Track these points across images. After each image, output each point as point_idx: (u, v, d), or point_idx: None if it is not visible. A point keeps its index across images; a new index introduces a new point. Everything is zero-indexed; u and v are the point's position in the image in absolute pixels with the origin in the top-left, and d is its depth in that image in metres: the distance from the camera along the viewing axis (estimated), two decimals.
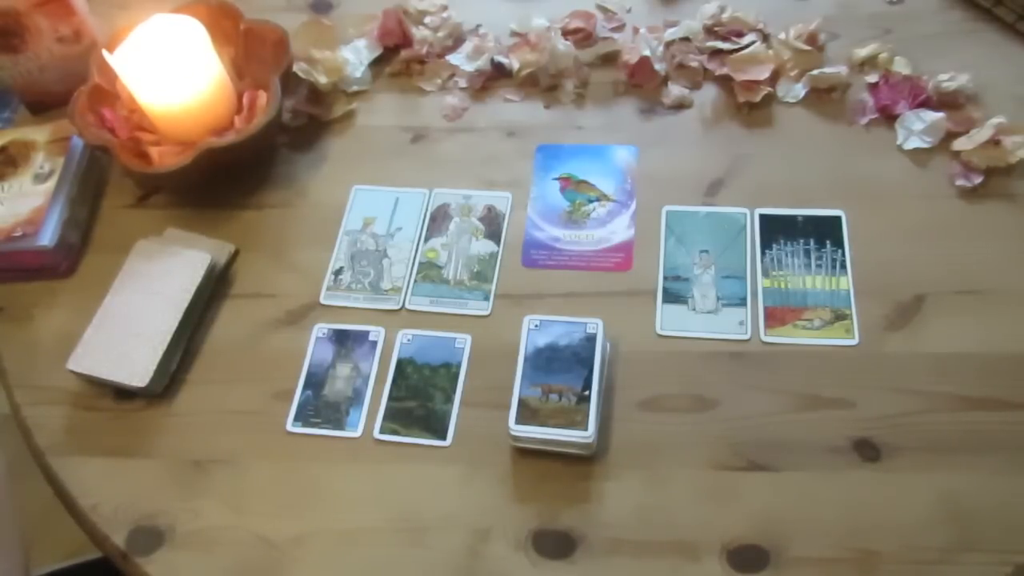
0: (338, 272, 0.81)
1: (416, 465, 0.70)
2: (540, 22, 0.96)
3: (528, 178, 0.86)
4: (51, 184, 0.84)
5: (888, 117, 0.87)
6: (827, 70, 0.89)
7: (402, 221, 0.84)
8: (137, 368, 0.73)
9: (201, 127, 0.85)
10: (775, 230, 0.80)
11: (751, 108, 0.89)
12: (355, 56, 0.96)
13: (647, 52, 0.90)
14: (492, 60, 0.94)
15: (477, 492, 0.69)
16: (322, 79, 0.92)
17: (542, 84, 0.93)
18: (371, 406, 0.73)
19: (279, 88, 0.85)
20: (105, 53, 0.83)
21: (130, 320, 0.76)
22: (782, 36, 0.92)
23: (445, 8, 0.99)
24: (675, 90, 0.90)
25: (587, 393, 0.68)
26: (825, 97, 0.89)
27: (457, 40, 0.97)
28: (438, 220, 0.84)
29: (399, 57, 0.96)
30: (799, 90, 0.89)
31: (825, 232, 0.80)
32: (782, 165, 0.85)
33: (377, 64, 0.96)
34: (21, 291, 0.83)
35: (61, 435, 0.74)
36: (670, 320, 0.76)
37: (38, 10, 0.89)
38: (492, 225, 0.83)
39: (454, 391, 0.73)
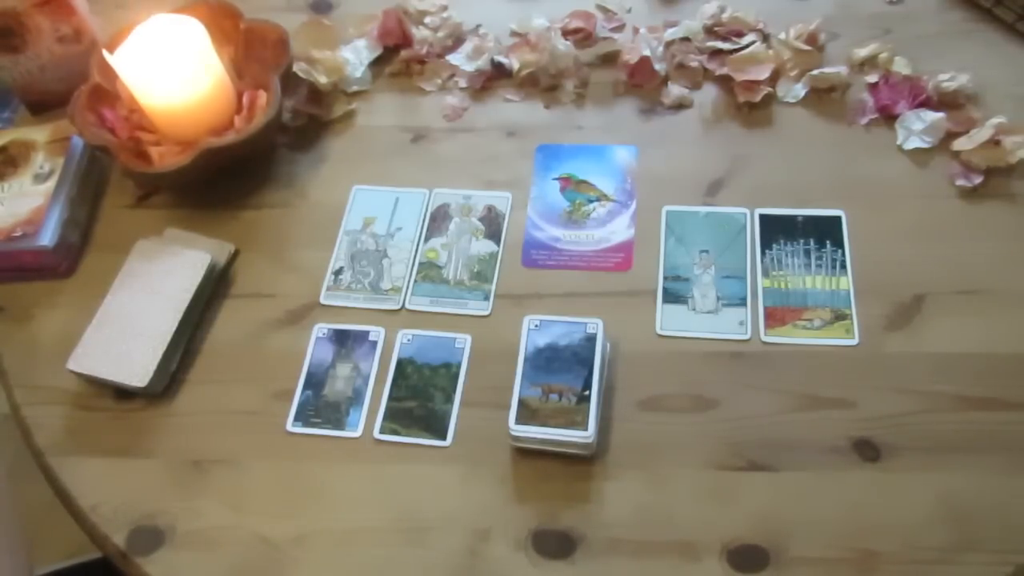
0: (338, 272, 0.81)
1: (416, 465, 0.70)
2: (540, 22, 0.96)
3: (528, 178, 0.86)
4: (51, 184, 0.84)
5: (888, 117, 0.87)
6: (827, 70, 0.89)
7: (402, 221, 0.84)
8: (137, 368, 0.73)
9: (201, 127, 0.85)
10: (775, 230, 0.80)
11: (751, 108, 0.89)
12: (355, 56, 0.96)
13: (647, 52, 0.90)
14: (492, 60, 0.94)
15: (477, 492, 0.69)
16: (322, 79, 0.92)
17: (542, 84, 0.93)
18: (371, 406, 0.73)
19: (279, 88, 0.85)
20: (105, 53, 0.83)
21: (130, 320, 0.76)
22: (782, 36, 0.92)
23: (445, 8, 0.99)
24: (675, 90, 0.90)
25: (587, 393, 0.68)
26: (825, 97, 0.89)
27: (457, 40, 0.97)
28: (438, 220, 0.84)
29: (399, 57, 0.96)
30: (799, 90, 0.89)
31: (825, 232, 0.80)
32: (782, 165, 0.85)
33: (377, 64, 0.96)
34: (21, 291, 0.83)
35: (61, 435, 0.74)
36: (670, 320, 0.76)
37: (38, 10, 0.89)
38: (492, 225, 0.83)
39: (454, 391, 0.73)
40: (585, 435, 0.67)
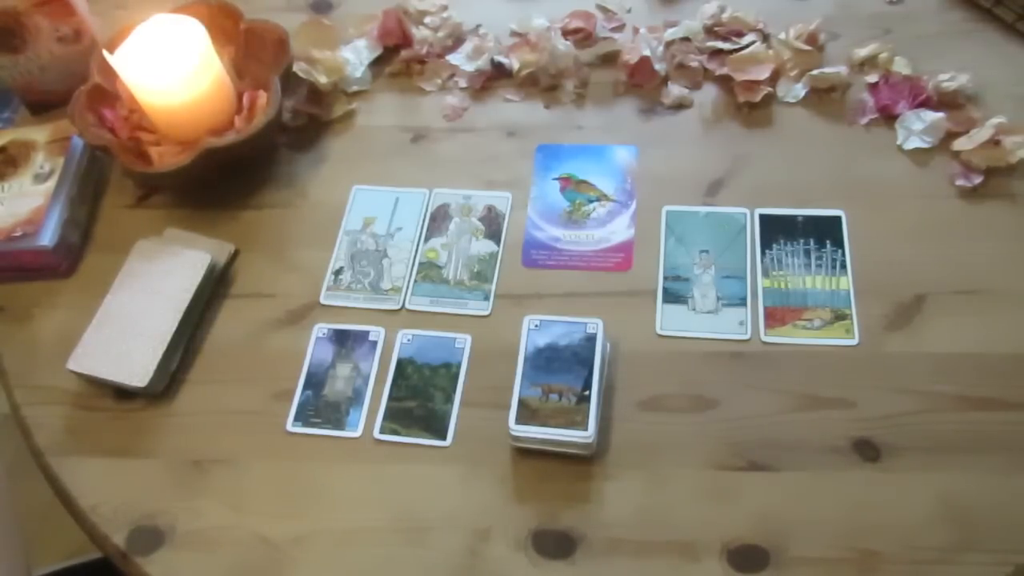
0: (338, 272, 0.81)
1: (416, 465, 0.70)
2: (540, 22, 0.96)
3: (528, 178, 0.86)
4: (51, 184, 0.84)
5: (888, 117, 0.87)
6: (827, 70, 0.89)
7: (402, 221, 0.84)
8: (137, 368, 0.73)
9: (201, 127, 0.85)
10: (775, 230, 0.80)
11: (751, 108, 0.89)
12: (355, 56, 0.96)
13: (647, 52, 0.90)
14: (492, 60, 0.94)
15: (477, 492, 0.69)
16: (322, 79, 0.92)
17: (542, 84, 0.93)
18: (371, 406, 0.73)
19: (279, 88, 0.85)
20: (105, 53, 0.83)
21: (130, 320, 0.76)
22: (782, 36, 0.92)
23: (445, 8, 0.99)
24: (675, 90, 0.90)
25: (587, 393, 0.68)
26: (825, 97, 0.89)
27: (457, 40, 0.97)
28: (438, 220, 0.84)
29: (399, 57, 0.96)
30: (799, 90, 0.89)
31: (825, 232, 0.80)
32: (782, 165, 0.85)
33: (377, 64, 0.96)
34: (21, 291, 0.83)
35: (61, 435, 0.74)
36: (670, 320, 0.76)
37: (38, 10, 0.89)
38: (492, 225, 0.83)
39: (454, 391, 0.73)
40: (585, 435, 0.67)
